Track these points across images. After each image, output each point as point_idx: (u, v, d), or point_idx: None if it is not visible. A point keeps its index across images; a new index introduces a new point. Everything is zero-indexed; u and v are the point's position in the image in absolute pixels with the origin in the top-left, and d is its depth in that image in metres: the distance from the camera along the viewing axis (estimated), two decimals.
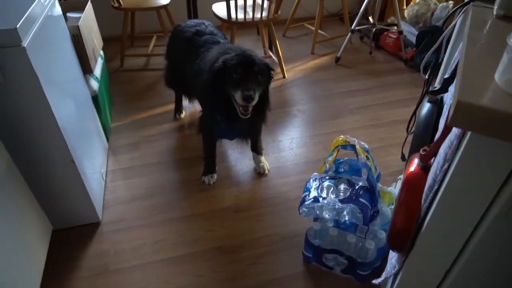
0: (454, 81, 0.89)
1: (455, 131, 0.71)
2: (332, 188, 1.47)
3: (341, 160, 1.59)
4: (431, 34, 2.91)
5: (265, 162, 1.97)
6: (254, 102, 1.44)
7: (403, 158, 1.52)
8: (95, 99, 1.92)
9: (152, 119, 2.37)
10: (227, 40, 1.86)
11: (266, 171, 1.95)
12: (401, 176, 1.78)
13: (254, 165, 1.98)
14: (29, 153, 1.35)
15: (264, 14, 2.58)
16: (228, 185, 1.89)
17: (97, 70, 2.05)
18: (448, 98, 1.02)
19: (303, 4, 3.37)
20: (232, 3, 2.49)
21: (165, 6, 2.78)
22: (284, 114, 2.44)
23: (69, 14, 1.99)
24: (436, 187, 0.76)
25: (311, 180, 1.52)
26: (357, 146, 1.48)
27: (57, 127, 1.31)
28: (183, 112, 2.39)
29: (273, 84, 2.82)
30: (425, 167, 0.86)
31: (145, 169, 1.98)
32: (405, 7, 3.62)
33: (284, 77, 2.84)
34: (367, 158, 1.50)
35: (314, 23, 3.24)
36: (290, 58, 3.09)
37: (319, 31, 3.18)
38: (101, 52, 2.27)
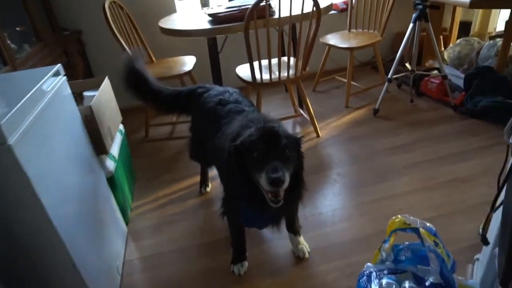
0: None
1: None
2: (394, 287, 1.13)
3: (401, 246, 1.26)
4: (481, 76, 2.61)
5: (304, 243, 1.65)
6: (285, 186, 1.15)
7: (484, 241, 1.17)
8: (111, 180, 1.75)
9: (177, 194, 2.17)
10: (254, 108, 1.65)
11: (306, 255, 1.63)
12: (479, 256, 1.40)
13: (291, 245, 1.67)
14: (21, 258, 1.15)
15: (291, 72, 2.41)
16: (262, 275, 1.58)
17: (115, 148, 1.90)
18: None
19: (332, 56, 3.21)
20: (256, 64, 2.35)
21: (189, 72, 2.70)
22: (322, 179, 2.16)
23: (86, 93, 1.91)
24: None
25: (365, 276, 1.20)
26: (420, 230, 1.16)
27: (53, 229, 1.11)
28: (209, 185, 2.17)
29: (306, 145, 2.59)
30: None
31: (168, 257, 1.73)
32: (443, 48, 3.36)
33: (318, 136, 2.59)
34: (436, 244, 1.17)
35: (345, 75, 3.04)
36: (322, 114, 2.86)
37: (352, 82, 2.96)
38: (121, 127, 2.15)
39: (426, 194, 1.93)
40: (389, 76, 2.68)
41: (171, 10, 3.08)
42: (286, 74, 2.38)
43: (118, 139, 2.02)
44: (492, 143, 2.27)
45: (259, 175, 1.16)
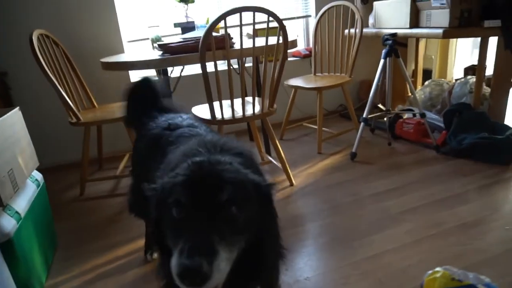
0: None
1: None
2: None
3: None
4: (459, 113, 2.42)
5: None
6: (215, 283, 0.63)
7: None
8: (6, 247, 1.20)
9: (112, 265, 1.60)
10: (214, 133, 1.24)
11: None
12: None
13: None
14: None
15: (257, 109, 2.07)
16: None
17: (21, 203, 1.37)
18: None
19: (297, 104, 2.96)
20: (216, 104, 1.99)
21: None
22: (302, 235, 1.71)
23: None
24: None
25: None
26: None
27: None
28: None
29: (279, 195, 2.18)
30: None
31: None
32: (410, 94, 3.25)
33: (291, 184, 2.19)
34: None
35: (313, 122, 2.78)
36: (294, 161, 2.50)
37: (322, 128, 2.67)
38: (38, 176, 1.63)
39: (435, 243, 1.53)
40: (364, 115, 2.42)
41: (118, 50, 2.74)
42: (251, 112, 2.04)
43: (29, 191, 1.49)
44: (488, 182, 1.99)
45: (174, 251, 0.66)
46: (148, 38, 2.65)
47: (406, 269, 1.39)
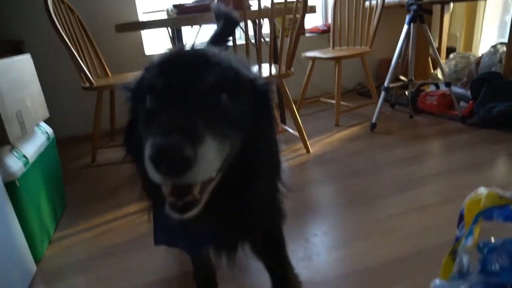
0: None
1: None
2: None
3: (490, 245, 0.72)
4: (488, 82, 2.29)
5: None
6: (200, 172, 0.49)
7: None
8: (11, 188, 1.15)
9: (121, 221, 1.55)
10: None
11: None
12: None
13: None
14: None
15: (274, 71, 1.99)
16: None
17: (29, 148, 1.33)
18: None
19: (313, 83, 2.85)
20: None
21: None
22: (319, 196, 1.62)
23: None
24: None
25: None
26: None
27: None
28: None
29: (295, 161, 2.10)
30: None
31: None
32: (432, 70, 3.11)
33: (308, 151, 2.10)
34: None
35: (330, 98, 2.69)
36: (310, 133, 2.39)
37: (340, 102, 2.57)
38: (49, 130, 1.59)
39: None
40: (385, 84, 2.31)
41: (133, 20, 2.70)
42: (267, 75, 1.96)
43: (39, 141, 1.45)
44: None
45: (146, 141, 0.54)
46: (163, 10, 2.60)
47: (432, 226, 1.29)
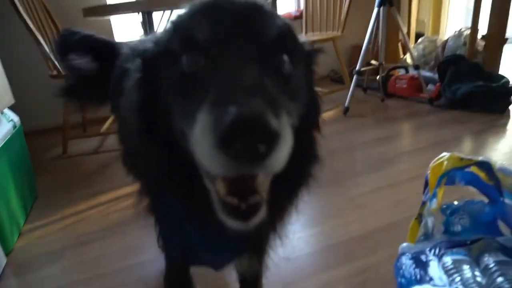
0: None
1: None
2: (468, 270, 0.61)
3: (454, 206, 0.75)
4: (454, 64, 2.37)
5: None
6: (278, 163, 0.36)
7: None
8: None
9: (95, 209, 1.52)
10: None
11: None
12: None
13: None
14: None
15: None
16: None
17: None
18: None
19: None
20: None
21: None
22: None
23: None
24: None
25: (409, 260, 0.67)
26: (494, 167, 0.68)
27: None
28: None
29: None
30: None
31: None
32: (402, 56, 3.19)
33: None
34: None
35: None
36: None
37: None
38: (15, 118, 1.53)
39: None
40: (357, 68, 2.36)
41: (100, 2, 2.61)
42: None
43: (4, 128, 1.39)
44: (482, 127, 1.95)
45: (193, 120, 0.39)
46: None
47: (402, 201, 1.34)
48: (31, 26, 1.95)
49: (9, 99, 1.47)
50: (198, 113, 0.37)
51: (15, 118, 1.54)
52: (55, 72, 2.07)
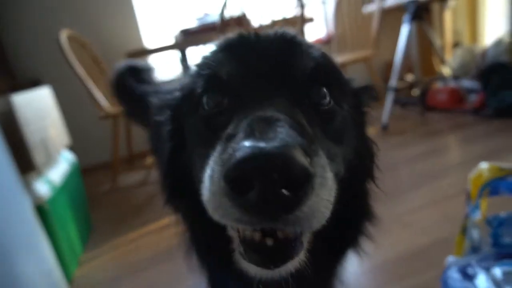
0: None
1: None
2: None
3: (499, 218, 0.73)
4: (496, 72, 2.28)
5: None
6: (314, 216, 0.30)
7: None
8: (41, 211, 1.22)
9: (146, 238, 1.60)
10: None
11: None
12: None
13: None
14: None
15: None
16: None
17: (53, 174, 1.40)
18: None
19: None
20: None
21: None
22: None
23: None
24: None
25: (456, 274, 0.65)
26: None
27: None
28: None
29: None
30: None
31: None
32: (439, 67, 3.11)
33: None
34: None
35: None
36: None
37: None
38: (70, 157, 1.68)
39: None
40: (392, 84, 2.33)
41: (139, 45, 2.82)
42: None
43: (62, 167, 1.52)
44: None
45: (206, 163, 0.34)
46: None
47: (451, 216, 1.28)
48: (78, 71, 2.15)
49: (66, 140, 1.61)
50: (210, 155, 0.33)
51: (72, 157, 1.68)
52: (103, 113, 2.24)
